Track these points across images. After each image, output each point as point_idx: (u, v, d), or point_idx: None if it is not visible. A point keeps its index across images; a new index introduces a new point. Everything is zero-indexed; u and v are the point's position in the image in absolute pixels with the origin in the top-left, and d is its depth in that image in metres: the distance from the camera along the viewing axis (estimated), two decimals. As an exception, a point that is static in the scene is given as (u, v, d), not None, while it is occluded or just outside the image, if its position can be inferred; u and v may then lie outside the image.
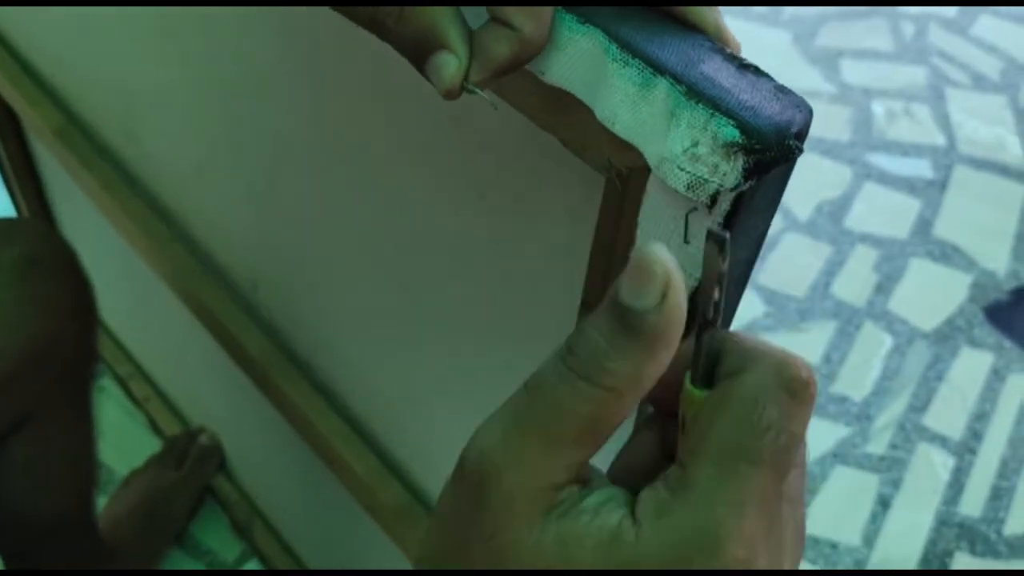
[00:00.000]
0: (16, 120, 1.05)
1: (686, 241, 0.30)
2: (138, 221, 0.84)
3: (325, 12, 0.45)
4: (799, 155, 0.27)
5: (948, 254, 1.57)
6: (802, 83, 1.83)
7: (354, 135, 0.50)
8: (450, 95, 0.28)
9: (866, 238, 1.59)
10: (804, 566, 1.23)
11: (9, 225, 0.79)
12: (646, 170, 0.29)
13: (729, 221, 0.28)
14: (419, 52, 0.28)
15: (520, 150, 0.38)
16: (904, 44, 1.91)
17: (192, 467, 1.18)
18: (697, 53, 0.28)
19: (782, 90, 0.28)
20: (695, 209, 0.29)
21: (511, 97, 0.33)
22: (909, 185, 1.67)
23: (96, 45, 0.75)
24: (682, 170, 0.27)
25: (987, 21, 1.96)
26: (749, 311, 1.48)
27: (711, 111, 0.27)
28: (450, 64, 0.27)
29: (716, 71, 0.28)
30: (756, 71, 0.28)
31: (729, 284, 0.33)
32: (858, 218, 1.62)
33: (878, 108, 1.79)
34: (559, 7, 0.29)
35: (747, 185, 0.27)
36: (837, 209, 1.62)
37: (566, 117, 0.31)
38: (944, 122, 1.77)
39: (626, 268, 0.24)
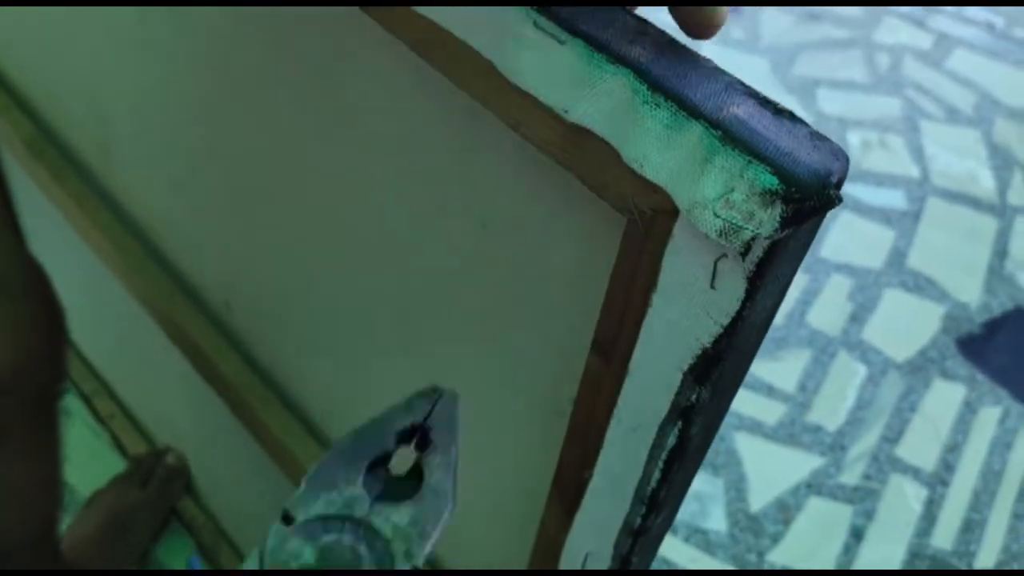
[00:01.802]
0: (-15, 128, 1.02)
1: (712, 287, 0.29)
2: (110, 237, 0.81)
3: (311, 25, 0.44)
4: (838, 204, 0.26)
5: (921, 285, 1.58)
6: (779, 111, 1.83)
7: (342, 154, 0.49)
8: None
9: (841, 267, 1.59)
10: (777, 597, 1.22)
11: None
12: (672, 213, 0.28)
13: (761, 268, 0.27)
14: None
15: (532, 182, 0.36)
16: (879, 75, 1.93)
17: (157, 487, 1.15)
18: (729, 95, 0.27)
19: (819, 137, 0.27)
20: (725, 255, 0.28)
21: (529, 132, 0.31)
22: (884, 215, 1.68)
23: (71, 53, 0.73)
24: (716, 216, 0.26)
25: (962, 55, 1.99)
26: (725, 338, 1.47)
27: (748, 157, 0.26)
28: None
29: (750, 115, 0.27)
30: (791, 116, 0.27)
31: (751, 331, 0.32)
32: (834, 247, 1.62)
33: (853, 138, 1.80)
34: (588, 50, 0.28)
35: (783, 233, 0.25)
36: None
37: (587, 155, 0.30)
38: (918, 154, 1.79)
39: None
